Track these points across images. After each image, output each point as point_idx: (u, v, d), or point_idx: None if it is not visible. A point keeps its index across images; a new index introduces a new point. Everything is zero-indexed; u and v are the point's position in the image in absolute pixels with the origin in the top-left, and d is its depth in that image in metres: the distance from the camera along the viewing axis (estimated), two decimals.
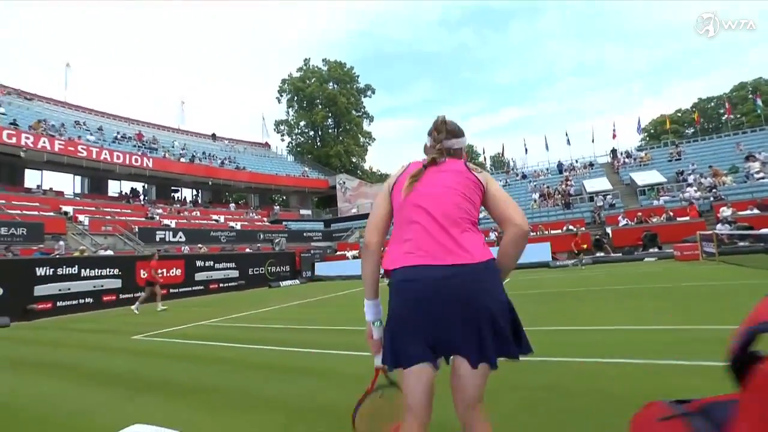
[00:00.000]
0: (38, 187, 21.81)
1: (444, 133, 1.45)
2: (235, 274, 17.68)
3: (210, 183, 28.88)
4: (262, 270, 19.21)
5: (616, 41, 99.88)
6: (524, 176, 27.33)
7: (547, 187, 23.12)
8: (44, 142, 20.07)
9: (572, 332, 4.59)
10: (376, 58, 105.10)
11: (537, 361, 3.25)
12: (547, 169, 27.23)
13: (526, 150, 46.23)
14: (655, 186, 19.56)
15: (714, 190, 17.24)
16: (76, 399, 3.34)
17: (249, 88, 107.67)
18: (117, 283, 13.02)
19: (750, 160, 18.88)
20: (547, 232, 17.52)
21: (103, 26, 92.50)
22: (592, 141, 52.31)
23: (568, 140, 30.29)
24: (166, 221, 21.20)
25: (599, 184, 21.68)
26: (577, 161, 26.58)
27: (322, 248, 24.68)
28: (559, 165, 26.46)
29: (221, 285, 16.87)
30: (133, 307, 10.50)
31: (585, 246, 14.63)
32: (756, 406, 0.52)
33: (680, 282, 7.99)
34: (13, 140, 19.10)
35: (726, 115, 37.59)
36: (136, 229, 18.58)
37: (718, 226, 13.69)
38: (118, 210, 21.25)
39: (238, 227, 24.31)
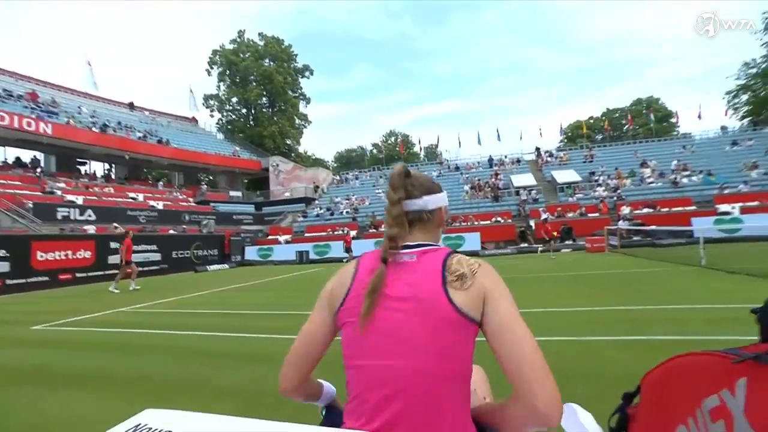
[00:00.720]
0: None
1: (402, 189, 0.92)
2: (156, 257, 16.20)
3: (127, 157, 25.94)
4: (187, 253, 17.85)
5: (546, 44, 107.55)
6: (457, 168, 28.55)
7: (478, 180, 24.42)
8: None
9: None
10: (315, 38, 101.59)
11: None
12: (479, 163, 28.72)
13: (459, 143, 48.29)
14: (571, 184, 21.66)
15: (618, 191, 19.58)
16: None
17: (175, 55, 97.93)
18: (4, 267, 11.20)
19: (644, 167, 21.76)
20: (477, 223, 18.56)
21: None
22: (520, 138, 56.12)
23: (499, 136, 32.32)
24: (70, 197, 18.63)
25: (525, 179, 23.44)
26: (506, 157, 28.39)
27: (253, 232, 23.63)
28: (490, 159, 28.06)
29: (141, 269, 15.33)
30: (110, 287, 10.04)
31: (555, 234, 14.54)
32: None
33: (593, 270, 8.99)
34: None
35: (627, 125, 42.72)
36: (30, 205, 16.08)
37: (620, 222, 15.60)
38: (3, 181, 18.15)
39: (161, 207, 22.22)
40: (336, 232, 20.49)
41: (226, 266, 18.80)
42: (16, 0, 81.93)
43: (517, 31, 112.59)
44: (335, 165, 58.90)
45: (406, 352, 0.77)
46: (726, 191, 16.95)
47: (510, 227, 17.84)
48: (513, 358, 0.73)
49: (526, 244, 17.28)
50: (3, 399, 2.78)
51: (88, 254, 13.57)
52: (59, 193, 18.94)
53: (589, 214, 17.66)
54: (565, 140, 43.78)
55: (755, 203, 15.13)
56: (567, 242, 16.50)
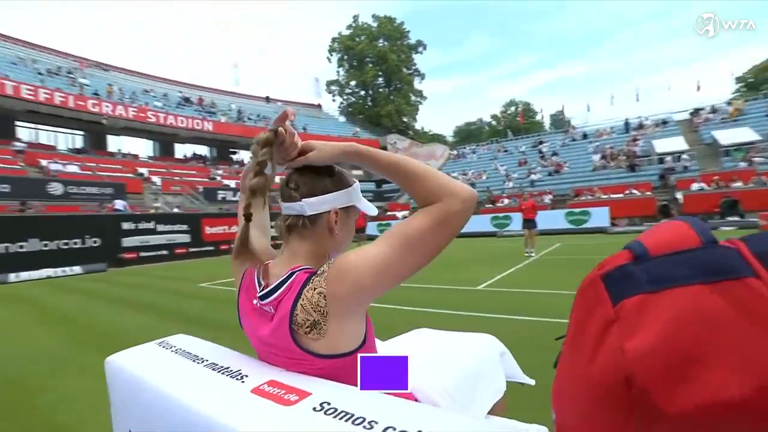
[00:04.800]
0: (119, 151, 24.07)
1: (258, 169, 0.78)
2: None
3: None
4: None
5: None
6: (585, 136, 25.39)
7: (611, 147, 21.39)
8: (120, 110, 21.92)
9: None
10: (427, 12, 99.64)
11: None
12: (612, 128, 25.03)
13: (588, 107, 42.46)
14: (744, 146, 17.35)
15: None
16: (160, 330, 3.95)
17: (301, 49, 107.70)
18: (186, 238, 14.41)
19: None
20: (606, 196, 16.47)
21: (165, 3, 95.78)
22: (668, 93, 46.58)
23: (638, 96, 27.40)
24: (226, 182, 22.71)
25: (672, 144, 19.62)
26: (647, 119, 24.10)
27: None
28: (626, 123, 24.17)
29: (278, 241, 18.05)
30: None
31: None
32: None
33: None
34: (97, 109, 21.04)
35: None
36: (201, 189, 20.20)
37: None
38: (185, 171, 23.03)
39: None
40: None
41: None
42: (184, 25, 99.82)
43: None
44: (454, 140, 58.01)
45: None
46: None
47: (648, 200, 15.35)
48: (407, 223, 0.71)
49: (668, 220, 14.74)
50: (171, 331, 3.84)
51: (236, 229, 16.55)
52: (219, 178, 23.20)
53: None
54: (745, 89, 34.79)
55: None
56: (730, 218, 13.53)
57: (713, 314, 0.32)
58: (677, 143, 19.60)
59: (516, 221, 15.09)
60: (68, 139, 23.24)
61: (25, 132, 21.52)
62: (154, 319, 4.74)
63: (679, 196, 15.35)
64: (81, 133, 23.29)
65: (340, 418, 0.58)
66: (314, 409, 0.61)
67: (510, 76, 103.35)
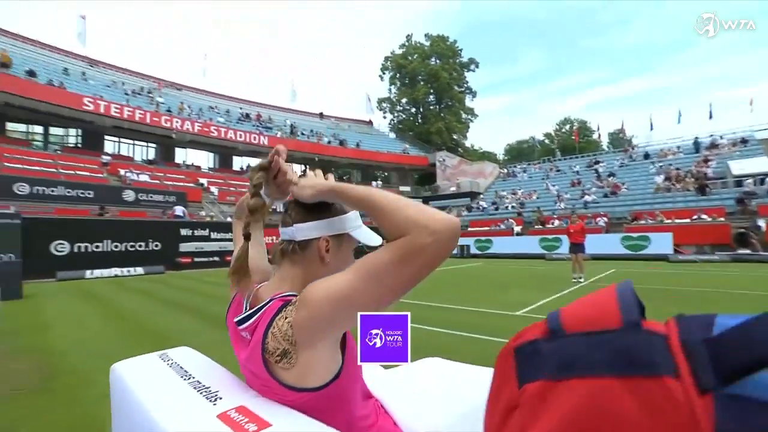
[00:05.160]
0: (183, 162, 26.15)
1: (254, 191, 0.84)
2: None
3: (316, 159, 31.23)
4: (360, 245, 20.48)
5: None
6: (647, 156, 23.69)
7: (677, 169, 19.75)
8: (188, 125, 23.95)
9: None
10: (481, 29, 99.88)
11: None
12: (678, 148, 23.14)
13: (651, 125, 39.06)
14: None
15: None
16: (201, 334, 4.18)
17: (355, 67, 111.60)
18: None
19: None
20: (669, 221, 15.16)
21: (233, 25, 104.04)
22: (750, 109, 41.95)
23: (711, 113, 25.16)
24: None
25: (754, 165, 17.68)
26: (722, 137, 22.04)
27: None
28: (696, 142, 22.25)
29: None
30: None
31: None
32: None
33: None
34: (168, 124, 23.19)
35: None
36: None
37: None
38: (240, 183, 24.42)
39: None
40: (499, 227, 20.01)
41: None
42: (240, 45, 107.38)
43: None
44: (505, 158, 56.69)
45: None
46: None
47: (721, 227, 13.94)
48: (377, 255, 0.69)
49: (747, 251, 13.25)
50: (214, 337, 4.03)
51: None
52: None
53: None
54: None
55: None
56: None
57: (619, 417, 0.27)
58: (759, 164, 17.68)
59: (566, 244, 14.32)
60: (143, 151, 25.75)
61: (110, 145, 24.26)
62: (198, 323, 5.03)
63: (761, 223, 13.79)
64: (154, 145, 25.72)
65: None
66: None
67: (565, 93, 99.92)
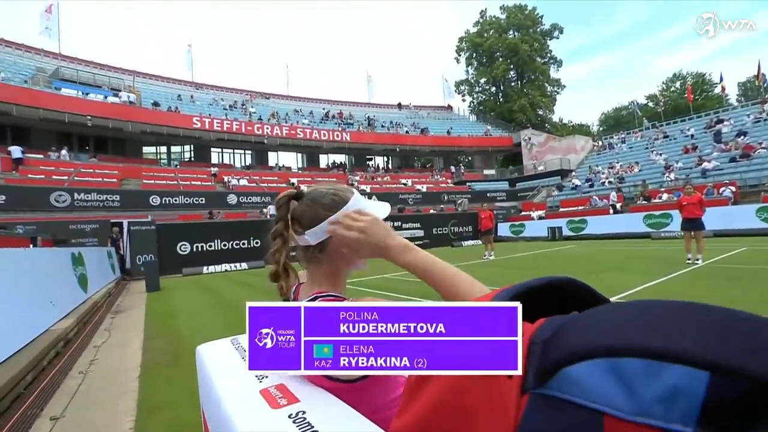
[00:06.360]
0: (276, 164, 28.56)
1: (283, 224, 0.94)
2: (420, 233, 19.33)
3: (397, 150, 31.64)
4: (445, 230, 20.35)
5: None
6: None
7: None
8: (277, 130, 26.10)
9: None
10: None
11: None
12: None
13: None
14: None
15: None
16: None
17: (429, 53, 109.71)
18: None
19: None
20: None
21: (312, 32, 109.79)
22: None
23: None
24: (363, 187, 24.67)
25: None
26: None
27: (506, 208, 24.01)
28: None
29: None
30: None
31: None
32: None
33: None
34: (260, 131, 25.55)
35: None
36: None
37: None
38: (327, 179, 25.89)
39: (424, 189, 26.14)
40: (594, 205, 18.29)
41: (479, 242, 20.18)
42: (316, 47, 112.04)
43: None
44: (600, 129, 51.19)
45: None
46: None
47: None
48: None
49: None
50: None
51: None
52: (356, 184, 25.34)
53: None
54: None
55: None
56: None
57: (467, 409, 0.30)
58: None
59: (677, 220, 12.48)
60: (241, 158, 28.72)
61: (215, 155, 27.60)
62: None
63: None
64: (250, 151, 28.51)
65: (302, 429, 0.67)
66: (289, 416, 0.71)
67: (678, 42, 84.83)
